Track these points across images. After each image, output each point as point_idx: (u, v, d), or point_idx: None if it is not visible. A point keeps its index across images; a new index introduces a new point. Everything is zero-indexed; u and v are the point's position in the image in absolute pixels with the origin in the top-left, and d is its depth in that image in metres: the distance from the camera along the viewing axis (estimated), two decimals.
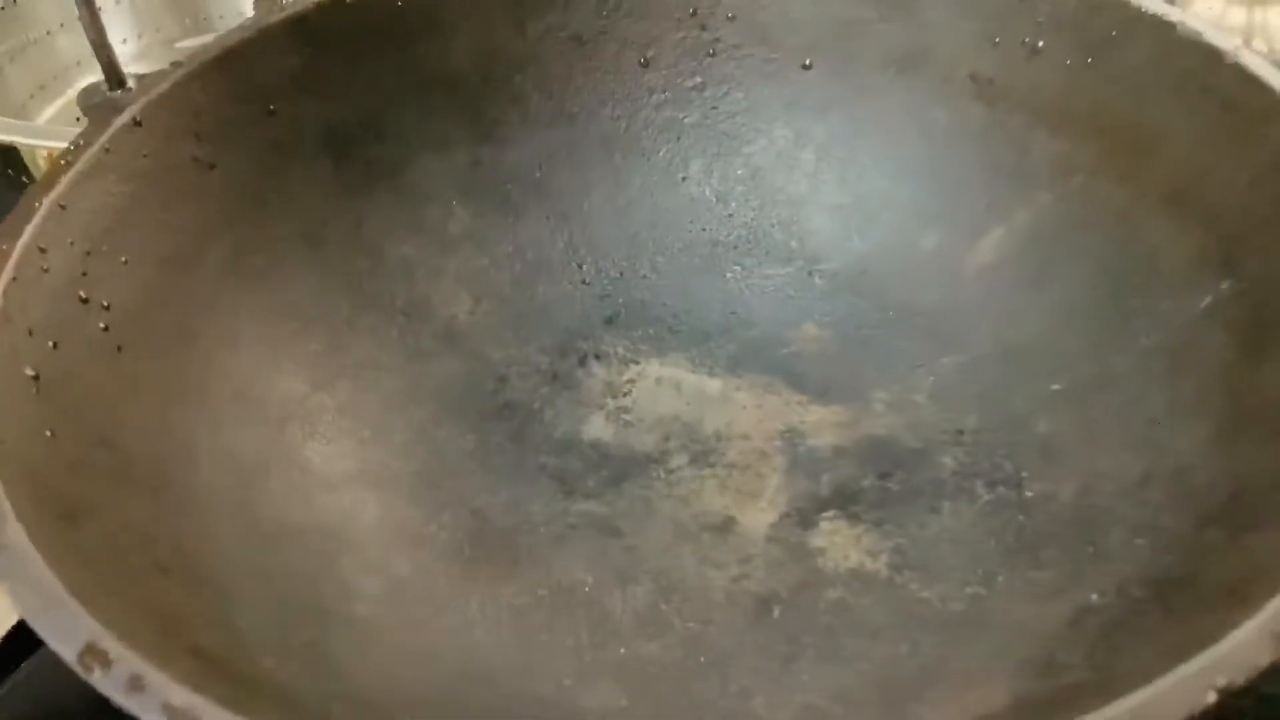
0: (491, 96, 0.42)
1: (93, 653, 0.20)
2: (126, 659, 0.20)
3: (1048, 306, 0.36)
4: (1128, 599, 0.27)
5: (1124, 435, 0.32)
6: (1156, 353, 0.32)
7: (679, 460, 0.38)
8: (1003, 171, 0.38)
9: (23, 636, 0.36)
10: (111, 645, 0.20)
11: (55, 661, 0.20)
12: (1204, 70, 0.33)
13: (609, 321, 0.42)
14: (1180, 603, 0.26)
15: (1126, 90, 0.35)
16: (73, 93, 0.65)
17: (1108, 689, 0.23)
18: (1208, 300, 0.32)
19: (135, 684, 0.20)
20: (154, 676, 0.20)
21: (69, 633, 0.21)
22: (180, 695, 0.20)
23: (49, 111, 0.64)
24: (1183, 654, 0.21)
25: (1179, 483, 0.29)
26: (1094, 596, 0.28)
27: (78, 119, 0.65)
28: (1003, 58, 0.38)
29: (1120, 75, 0.35)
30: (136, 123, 0.33)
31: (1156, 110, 0.34)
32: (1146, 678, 0.21)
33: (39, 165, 0.53)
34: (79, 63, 0.66)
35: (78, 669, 0.20)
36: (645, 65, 0.42)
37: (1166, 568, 0.27)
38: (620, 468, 0.38)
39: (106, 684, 0.20)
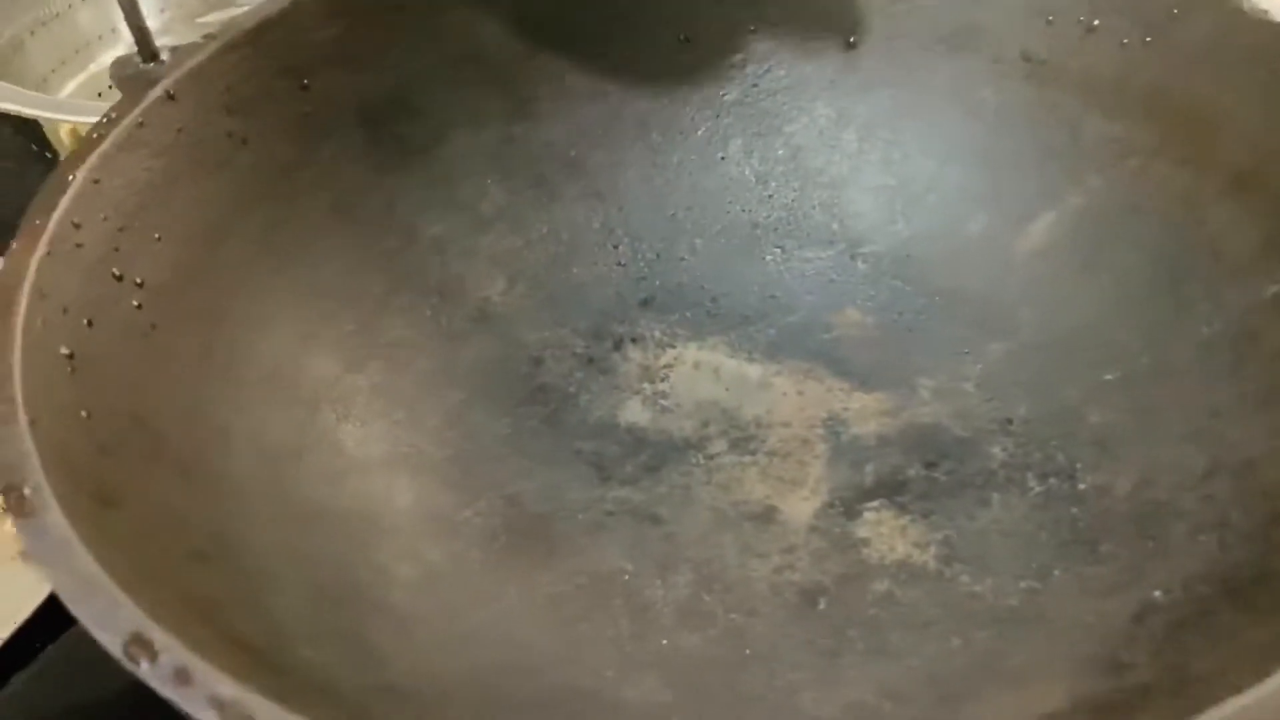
0: (526, 72, 0.41)
1: (138, 643, 0.20)
2: (173, 649, 0.20)
3: (1101, 294, 0.35)
4: (1195, 597, 0.26)
5: (1184, 427, 0.31)
6: (1218, 342, 0.31)
7: (718, 447, 0.37)
8: (1054, 154, 0.37)
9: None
10: (158, 635, 0.20)
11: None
12: (1272, 48, 0.32)
13: (645, 304, 0.41)
14: (1254, 602, 0.25)
15: (1187, 70, 0.34)
16: (95, 68, 0.65)
17: (1182, 692, 0.22)
18: (1274, 288, 0.31)
19: (182, 676, 0.19)
20: (201, 668, 0.19)
21: (113, 622, 0.20)
22: (228, 688, 0.19)
23: (70, 86, 0.63)
24: (1265, 657, 0.20)
25: (1246, 477, 0.28)
26: (1157, 594, 0.28)
27: (99, 94, 0.64)
28: (1056, 36, 0.37)
29: (1181, 54, 0.34)
30: (170, 96, 0.33)
31: (1219, 91, 0.33)
32: (1228, 682, 0.20)
33: (61, 140, 0.52)
34: (100, 37, 0.65)
35: (122, 660, 0.19)
36: (685, 41, 0.41)
37: (1236, 566, 0.26)
38: (658, 454, 0.37)
39: (153, 676, 0.19)
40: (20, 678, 0.36)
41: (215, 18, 0.62)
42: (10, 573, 0.42)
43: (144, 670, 0.19)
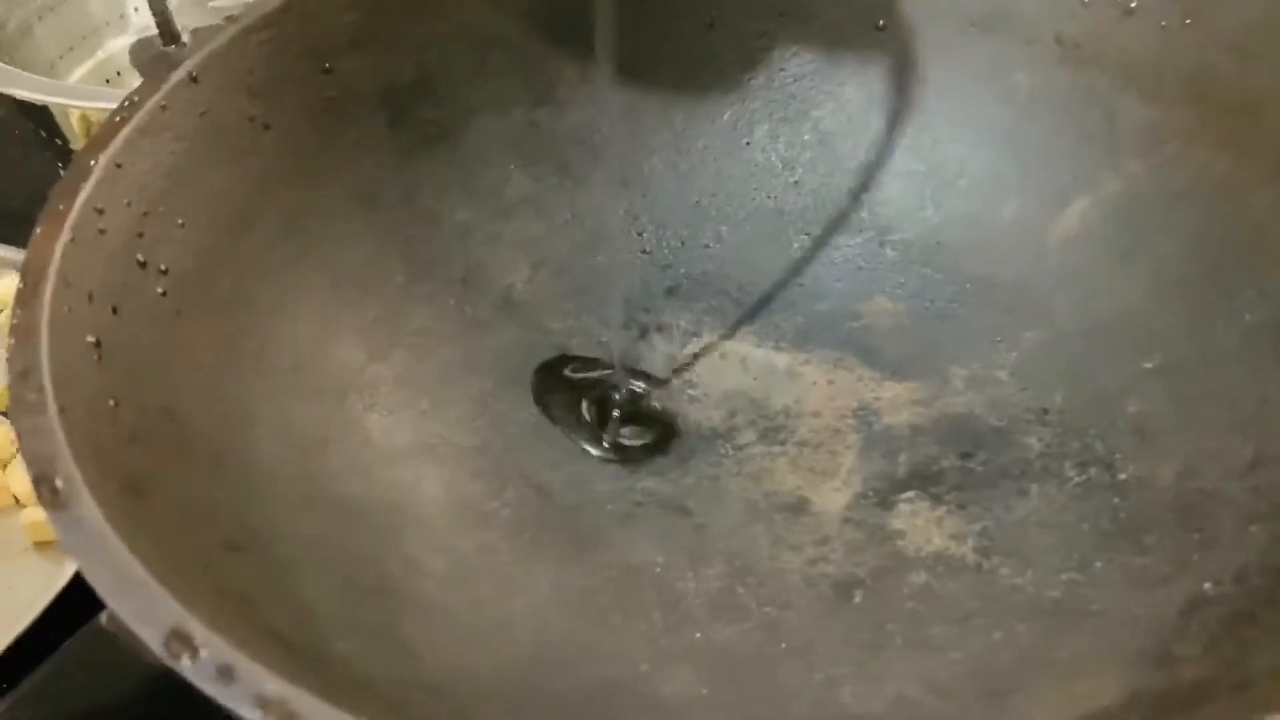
0: (548, 57, 0.40)
1: (179, 638, 0.19)
2: (214, 645, 0.19)
3: (1138, 281, 0.34)
4: (1249, 589, 0.26)
5: (1230, 416, 0.30)
6: (1264, 329, 0.31)
7: (747, 437, 0.37)
8: (1089, 138, 0.36)
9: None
10: (198, 630, 0.19)
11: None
12: None
13: (670, 293, 0.40)
14: None
15: (1228, 53, 0.33)
16: (103, 54, 0.64)
17: (1247, 687, 0.22)
18: None
19: (226, 673, 0.19)
20: (245, 665, 0.19)
21: (152, 616, 0.19)
22: (274, 685, 0.19)
23: (79, 72, 0.63)
24: None
25: None
26: (1207, 586, 0.27)
27: (108, 81, 0.64)
28: (1092, 18, 0.36)
29: (1222, 37, 0.33)
30: (193, 78, 0.32)
31: (1262, 74, 0.32)
32: None
33: (71, 126, 0.51)
34: (109, 23, 0.64)
35: (163, 655, 0.19)
36: (710, 25, 0.40)
37: None
38: (686, 444, 0.36)
39: (195, 672, 0.19)
40: (37, 673, 0.36)
41: (227, 1, 0.61)
42: (24, 566, 0.41)
43: (185, 666, 0.19)
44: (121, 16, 0.65)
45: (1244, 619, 0.25)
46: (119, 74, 0.64)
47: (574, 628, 0.31)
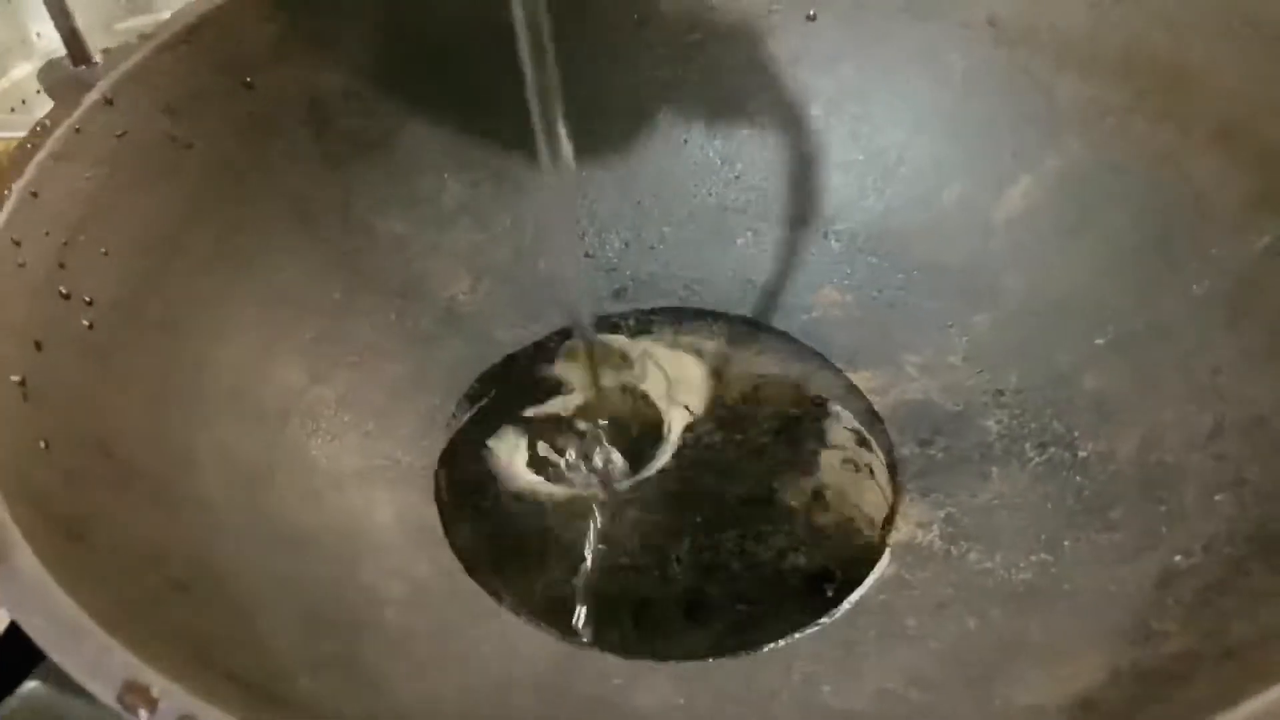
0: (479, 61, 0.39)
1: (134, 690, 0.18)
2: (173, 695, 0.18)
3: (1086, 257, 0.34)
4: (1220, 558, 0.26)
5: (1185, 387, 0.30)
6: (1213, 298, 0.31)
7: (705, 429, 0.36)
8: (1028, 117, 0.36)
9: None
10: (154, 679, 0.18)
11: None
12: (1247, 2, 0.31)
13: (618, 295, 0.40)
14: None
15: (1161, 26, 0.33)
16: (6, 82, 0.61)
17: (1231, 657, 0.22)
18: (1265, 240, 0.30)
19: None
20: (209, 715, 0.18)
21: (102, 668, 0.18)
22: None
23: None
24: None
25: (1258, 434, 0.28)
26: (1178, 558, 0.27)
27: (13, 110, 0.61)
28: None
29: (1153, 11, 0.33)
30: (108, 100, 0.30)
31: (1195, 45, 0.32)
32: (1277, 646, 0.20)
33: None
34: (10, 49, 0.62)
35: (119, 710, 0.18)
36: (641, 23, 0.40)
37: (1261, 523, 0.26)
38: (644, 442, 0.36)
39: None
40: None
41: (134, 24, 0.59)
42: None
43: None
44: (24, 42, 0.62)
45: (1219, 589, 0.25)
46: (24, 102, 0.61)
47: (542, 645, 0.30)
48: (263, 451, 0.32)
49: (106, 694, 0.18)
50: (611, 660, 0.30)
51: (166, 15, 0.33)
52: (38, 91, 0.60)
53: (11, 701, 0.32)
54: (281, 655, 0.25)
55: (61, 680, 0.31)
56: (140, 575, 0.24)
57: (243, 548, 0.28)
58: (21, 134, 0.29)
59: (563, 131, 0.28)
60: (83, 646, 0.18)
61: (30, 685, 0.33)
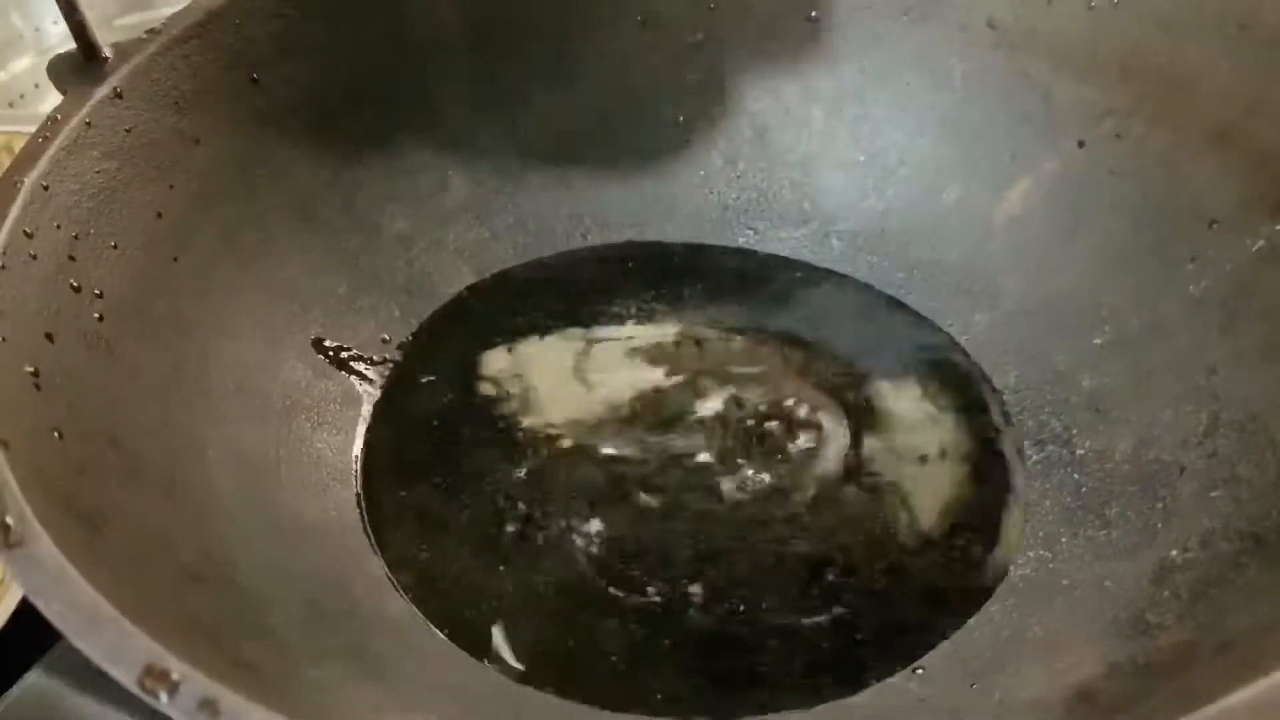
0: (484, 60, 0.39)
1: (154, 674, 0.18)
2: (193, 679, 0.18)
3: (1084, 258, 0.35)
4: (1216, 553, 0.26)
5: (1181, 386, 0.31)
6: (1209, 299, 0.31)
7: (706, 414, 0.36)
8: (1026, 120, 0.37)
9: None
10: (174, 664, 0.18)
11: None
12: (1242, 6, 0.32)
13: (618, 291, 0.40)
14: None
15: (1158, 30, 0.34)
16: (5, 75, 0.61)
17: (1227, 650, 0.22)
18: (1260, 243, 0.31)
19: (209, 708, 0.18)
20: (229, 698, 0.18)
21: (124, 653, 0.18)
22: (261, 716, 0.18)
23: None
24: None
25: (1252, 432, 0.28)
26: (1174, 553, 0.27)
27: (11, 104, 0.61)
28: (1023, 2, 0.36)
29: (1151, 15, 0.34)
30: (117, 94, 0.31)
31: (1192, 49, 0.33)
32: (1273, 638, 0.20)
33: None
34: (9, 44, 0.62)
35: (139, 693, 0.18)
36: (644, 24, 0.40)
37: (1255, 519, 0.26)
38: (648, 428, 0.36)
39: (175, 709, 0.18)
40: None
41: (133, 19, 0.59)
42: None
43: (164, 704, 0.18)
44: (21, 37, 0.62)
45: (1215, 583, 0.25)
46: (22, 96, 0.61)
47: (550, 634, 0.30)
48: (270, 445, 0.32)
49: (128, 678, 0.18)
50: None
51: (166, 12, 0.33)
52: (36, 85, 0.60)
53: (13, 692, 0.33)
54: (290, 645, 0.25)
55: (62, 672, 0.32)
56: (154, 565, 0.24)
57: (252, 539, 0.28)
58: (20, 128, 0.30)
59: None
60: (104, 632, 0.19)
61: (31, 677, 0.33)
